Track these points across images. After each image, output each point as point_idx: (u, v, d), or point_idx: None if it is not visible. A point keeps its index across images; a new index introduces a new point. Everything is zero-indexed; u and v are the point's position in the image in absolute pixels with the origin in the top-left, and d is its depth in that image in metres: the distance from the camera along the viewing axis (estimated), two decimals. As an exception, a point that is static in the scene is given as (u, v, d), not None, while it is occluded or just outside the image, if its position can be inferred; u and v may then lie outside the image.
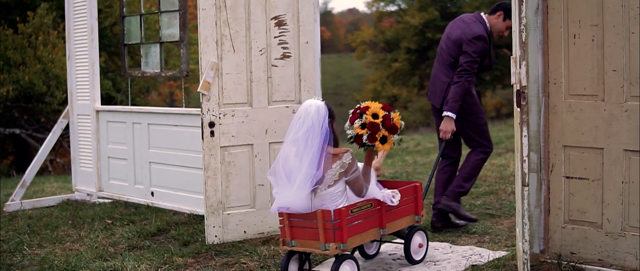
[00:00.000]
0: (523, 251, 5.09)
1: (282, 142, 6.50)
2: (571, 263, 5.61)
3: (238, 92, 6.73)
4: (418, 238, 6.09)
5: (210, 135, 6.65)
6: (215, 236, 6.71)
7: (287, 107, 6.89)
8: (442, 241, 6.65)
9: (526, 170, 4.82)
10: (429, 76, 31.56)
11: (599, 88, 5.45)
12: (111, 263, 6.49)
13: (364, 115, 5.61)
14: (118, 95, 18.62)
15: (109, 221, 8.11)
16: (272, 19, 6.80)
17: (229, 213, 6.75)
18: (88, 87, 9.27)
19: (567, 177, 5.62)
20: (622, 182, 5.38)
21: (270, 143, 6.84)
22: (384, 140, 5.58)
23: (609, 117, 5.41)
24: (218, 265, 6.39)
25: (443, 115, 6.79)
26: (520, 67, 4.77)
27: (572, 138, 5.59)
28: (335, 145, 5.63)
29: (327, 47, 43.11)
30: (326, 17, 47.33)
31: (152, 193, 8.59)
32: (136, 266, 6.36)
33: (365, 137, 5.57)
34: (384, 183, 6.09)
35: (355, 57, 35.56)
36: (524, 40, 4.85)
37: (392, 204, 5.77)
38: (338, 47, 41.61)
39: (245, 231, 6.81)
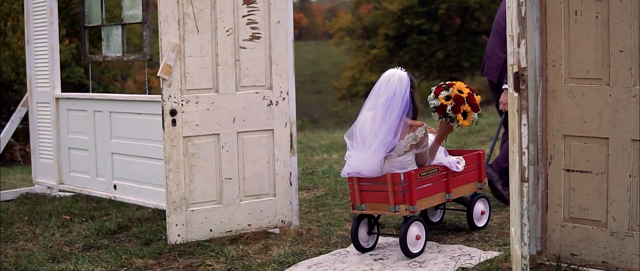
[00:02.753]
0: (522, 256, 4.40)
1: (251, 131, 5.99)
2: (572, 266, 4.95)
3: (203, 76, 5.99)
4: (480, 205, 6.19)
5: (171, 124, 5.91)
6: (178, 235, 5.99)
7: (257, 92, 6.16)
8: (427, 240, 5.95)
9: (526, 164, 4.13)
10: (406, 63, 30.92)
11: (603, 71, 4.77)
12: (63, 266, 5.78)
13: (451, 89, 5.74)
14: (91, 82, 17.75)
15: (67, 218, 7.37)
16: (240, -3, 6.06)
17: (193, 210, 6.02)
18: (48, 73, 8.49)
19: (568, 170, 4.94)
20: (630, 176, 4.71)
21: (238, 132, 6.11)
22: (465, 115, 5.68)
23: (615, 103, 4.73)
24: (181, 267, 5.69)
25: (503, 88, 6.71)
26: (519, 46, 4.07)
27: (573, 127, 4.91)
28: (415, 116, 5.70)
29: (305, 34, 42.25)
30: (304, 4, 46.41)
31: (115, 187, 7.85)
32: (90, 269, 5.64)
33: (449, 108, 5.67)
34: (449, 152, 6.14)
35: (332, 44, 34.79)
36: (523, 15, 4.15)
37: (458, 170, 5.86)
38: (316, 34, 40.78)
39: (211, 230, 6.08)
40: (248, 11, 6.09)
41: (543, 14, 4.91)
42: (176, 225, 5.97)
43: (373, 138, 5.50)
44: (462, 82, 6.00)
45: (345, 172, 5.69)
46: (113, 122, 7.79)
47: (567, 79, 4.92)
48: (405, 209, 5.54)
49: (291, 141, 6.31)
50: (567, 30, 4.88)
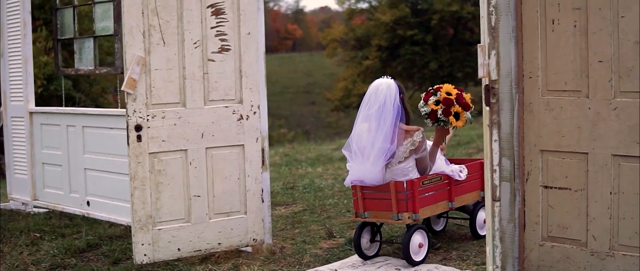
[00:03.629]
0: (494, 279, 4.10)
1: (220, 146, 5.73)
2: (551, 288, 4.65)
3: (169, 90, 5.70)
4: (483, 214, 6.02)
5: (136, 140, 5.61)
6: (145, 255, 5.68)
7: (226, 107, 5.87)
8: (403, 258, 5.65)
9: (497, 182, 3.83)
10: (399, 74, 30.58)
11: (582, 83, 4.49)
12: (25, 288, 5.48)
13: (438, 93, 5.67)
14: (78, 95, 17.45)
15: (37, 235, 7.06)
16: (208, 7, 5.77)
17: (160, 229, 5.72)
18: (22, 87, 8.21)
19: (546, 187, 4.65)
20: (611, 193, 4.42)
21: (207, 148, 5.81)
22: (457, 116, 5.62)
23: (595, 116, 4.45)
24: (147, 288, 5.39)
25: None
26: (489, 57, 3.79)
27: (551, 142, 4.62)
28: (407, 121, 5.67)
29: (299, 45, 41.96)
30: (298, 15, 46.07)
31: (88, 203, 7.55)
32: (52, 291, 5.35)
33: (439, 112, 5.62)
34: (450, 161, 6.11)
35: (325, 55, 34.48)
36: (493, 25, 3.86)
37: (460, 179, 5.84)
38: (310, 46, 40.47)
39: (179, 249, 5.78)
40: (217, 22, 5.80)
41: (519, 23, 4.63)
42: (142, 244, 5.67)
43: (371, 148, 5.50)
44: (452, 88, 5.81)
45: (348, 181, 5.70)
46: (86, 137, 7.50)
47: (545, 91, 4.63)
48: (408, 217, 5.51)
49: (263, 156, 6.01)
50: (544, 39, 4.60)
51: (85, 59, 7.55)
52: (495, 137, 3.78)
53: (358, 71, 31.12)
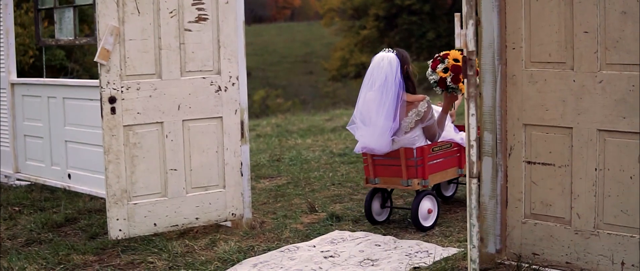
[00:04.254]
0: (471, 259, 3.90)
1: (197, 119, 5.58)
2: (533, 266, 4.46)
3: (144, 61, 5.47)
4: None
5: (110, 112, 5.40)
6: (120, 230, 5.49)
7: (204, 78, 5.65)
8: (385, 234, 5.46)
9: (474, 158, 3.62)
10: (397, 43, 30.28)
11: (567, 55, 4.27)
12: (-3, 263, 5.30)
13: (446, 60, 5.65)
14: (71, 65, 17.19)
15: (16, 209, 6.87)
16: (184, -25, 5.53)
17: (135, 203, 5.52)
18: (3, 58, 7.98)
19: (529, 162, 4.45)
20: (596, 169, 4.22)
21: (184, 120, 5.60)
22: None
23: (579, 89, 4.23)
24: (122, 263, 5.22)
25: None
26: (466, 27, 3.56)
27: (534, 115, 4.41)
28: (413, 90, 5.60)
29: (297, 15, 41.51)
30: (296, -15, 45.48)
31: (69, 176, 7.35)
32: (24, 267, 5.16)
33: (449, 80, 5.60)
34: (460, 128, 6.05)
35: (322, 25, 34.10)
36: (471, -8, 3.62)
37: None
38: (308, 15, 40.06)
39: (155, 224, 5.59)
40: (194, -10, 5.56)
41: (502, -8, 4.40)
42: (117, 219, 5.48)
43: (376, 117, 5.49)
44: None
45: (358, 148, 5.68)
46: (67, 109, 7.28)
47: (528, 63, 4.41)
48: (418, 183, 5.51)
49: (242, 129, 5.80)
50: (528, 9, 4.37)
51: (66, 29, 7.31)
52: (472, 111, 3.57)
53: (355, 41, 30.76)
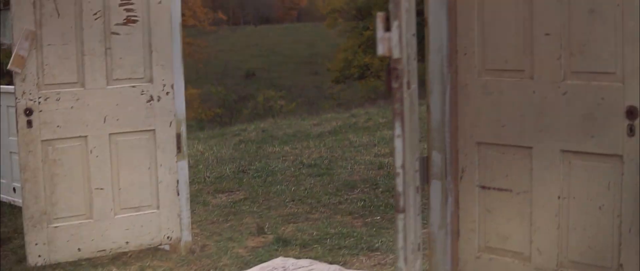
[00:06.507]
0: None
1: (126, 132, 4.84)
2: (489, 308, 3.72)
3: (65, 68, 4.76)
4: None
5: (26, 126, 4.70)
6: (39, 256, 4.78)
7: (133, 86, 4.93)
8: (332, 263, 4.73)
9: (400, 188, 2.89)
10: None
11: (525, 61, 3.52)
12: None
13: None
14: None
15: (-46, 226, 6.20)
16: (110, -28, 4.82)
17: (56, 227, 4.81)
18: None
19: (483, 187, 3.71)
20: (559, 197, 3.47)
21: (111, 134, 4.88)
22: None
23: (541, 102, 3.49)
24: (41, 294, 4.52)
25: None
26: (390, 29, 2.83)
27: (489, 133, 3.66)
28: None
29: (303, 15, 40.79)
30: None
31: (14, 190, 6.67)
32: None
33: None
34: None
35: (326, 26, 33.32)
36: (396, -14, 2.89)
37: None
38: (315, 15, 39.28)
39: (79, 249, 4.87)
40: (121, -11, 4.85)
41: (452, -12, 3.67)
42: (36, 244, 4.77)
43: None
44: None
45: None
46: (10, 117, 6.59)
47: (482, 71, 3.66)
48: None
49: (179, 143, 5.07)
50: (482, 9, 3.63)
51: (9, 33, 6.64)
52: (398, 131, 2.83)
53: (359, 42, 29.97)
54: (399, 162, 2.86)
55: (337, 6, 31.86)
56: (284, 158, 8.29)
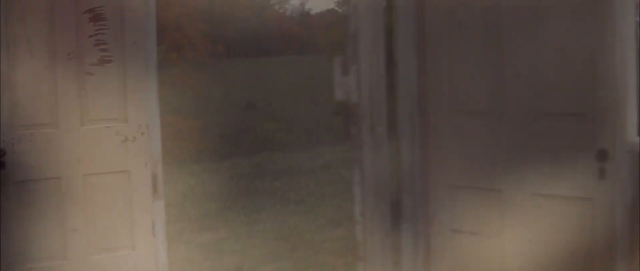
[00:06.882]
0: None
1: (101, 173, 4.69)
2: None
3: (38, 109, 4.68)
4: None
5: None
6: (12, 300, 4.70)
7: (108, 127, 4.84)
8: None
9: (361, 236, 2.80)
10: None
11: (495, 102, 3.46)
12: None
13: None
14: None
15: None
16: (85, 13, 4.74)
17: (30, 268, 4.71)
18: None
19: (454, 231, 3.62)
20: (529, 241, 3.38)
21: (85, 175, 4.78)
22: None
23: (511, 143, 3.41)
24: None
25: None
26: (347, 73, 2.76)
27: (460, 175, 3.59)
28: None
29: (304, 48, 40.88)
30: (303, 18, 44.90)
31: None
32: None
33: None
34: None
35: (326, 58, 33.33)
36: (352, 30, 2.81)
37: None
38: (316, 48, 39.37)
39: (53, 293, 4.79)
40: (96, 30, 4.77)
41: (421, 25, 3.60)
42: (9, 288, 4.68)
43: None
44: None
45: None
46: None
47: (452, 112, 3.60)
48: None
49: (155, 183, 4.98)
50: (451, 48, 3.57)
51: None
52: (357, 177, 2.75)
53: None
54: (358, 209, 2.78)
55: (335, 39, 31.96)
56: (272, 194, 8.21)
